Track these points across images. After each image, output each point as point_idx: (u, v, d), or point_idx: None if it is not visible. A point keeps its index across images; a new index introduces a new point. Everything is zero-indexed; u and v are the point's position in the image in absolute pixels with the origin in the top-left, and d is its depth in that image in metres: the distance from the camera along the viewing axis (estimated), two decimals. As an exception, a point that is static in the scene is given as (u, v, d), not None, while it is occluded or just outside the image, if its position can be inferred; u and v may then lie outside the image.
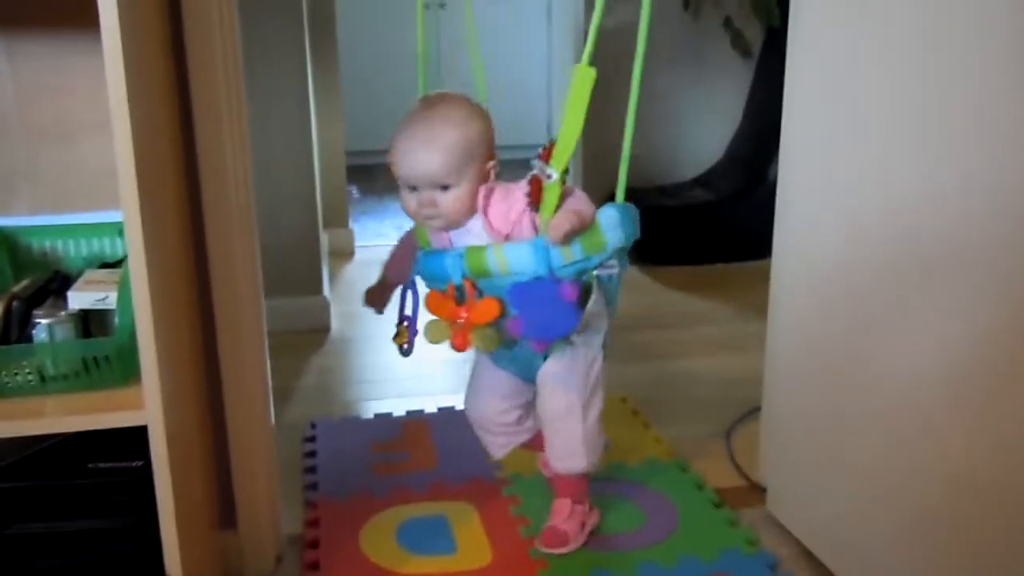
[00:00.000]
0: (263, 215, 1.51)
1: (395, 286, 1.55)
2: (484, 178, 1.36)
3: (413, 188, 1.35)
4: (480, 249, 1.35)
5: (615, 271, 1.43)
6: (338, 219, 3.32)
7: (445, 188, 1.34)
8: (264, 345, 1.46)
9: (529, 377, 1.50)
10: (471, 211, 1.36)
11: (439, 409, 2.07)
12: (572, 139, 1.31)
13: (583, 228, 1.33)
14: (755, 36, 3.48)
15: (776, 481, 1.63)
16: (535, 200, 1.33)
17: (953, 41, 1.14)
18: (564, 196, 1.34)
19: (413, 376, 2.28)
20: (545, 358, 1.45)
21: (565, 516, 1.53)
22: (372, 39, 4.60)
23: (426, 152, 1.32)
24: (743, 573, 1.46)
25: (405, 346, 1.48)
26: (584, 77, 1.29)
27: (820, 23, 1.42)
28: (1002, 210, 1.07)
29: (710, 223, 3.33)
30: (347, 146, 3.34)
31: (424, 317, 1.41)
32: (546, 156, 1.33)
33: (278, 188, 2.51)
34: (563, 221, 1.30)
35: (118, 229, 1.05)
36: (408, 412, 2.06)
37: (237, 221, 1.36)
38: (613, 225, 1.37)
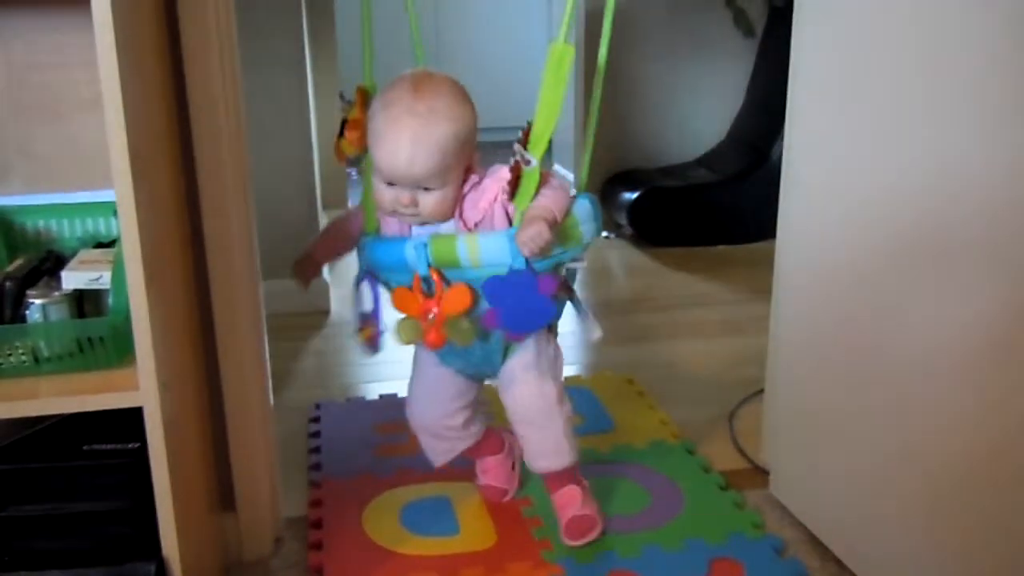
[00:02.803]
0: (262, 196, 1.49)
1: (322, 263, 1.50)
2: (469, 171, 1.28)
3: (391, 183, 1.25)
4: (449, 239, 1.27)
5: (582, 264, 1.35)
6: (337, 200, 3.30)
7: (427, 189, 1.25)
8: (262, 326, 1.45)
9: (480, 374, 1.44)
10: (453, 211, 1.28)
11: (440, 391, 2.05)
12: (551, 122, 1.23)
13: (556, 229, 1.24)
14: (758, 15, 3.45)
15: (779, 463, 1.62)
16: (513, 189, 1.25)
17: (962, 19, 1.11)
18: (541, 184, 1.26)
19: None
20: (505, 353, 1.39)
21: (579, 502, 1.47)
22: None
23: (413, 152, 1.20)
24: (750, 556, 1.45)
25: (371, 343, 1.39)
26: (561, 56, 1.21)
27: (826, 0, 1.39)
28: (1011, 191, 1.05)
29: (713, 204, 3.31)
30: (346, 127, 3.31)
31: (392, 314, 1.33)
32: (524, 140, 1.24)
33: (277, 169, 2.49)
34: (535, 235, 1.19)
35: (112, 208, 1.03)
36: (410, 394, 2.05)
37: (234, 200, 1.34)
38: (588, 218, 1.33)
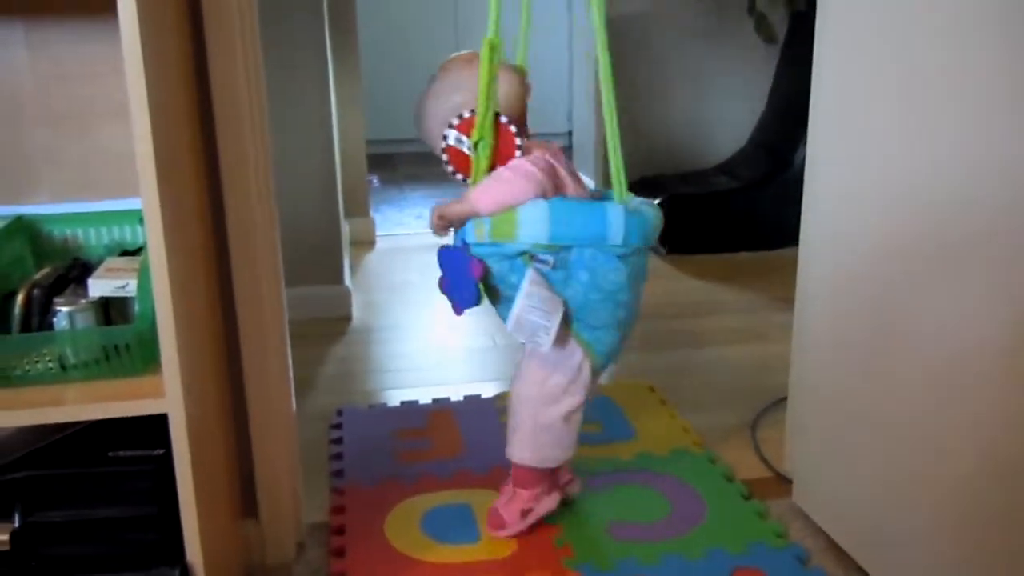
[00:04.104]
0: (284, 204, 1.50)
1: None
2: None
3: None
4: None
5: (548, 266, 1.33)
6: (359, 208, 3.31)
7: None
8: (285, 333, 1.45)
9: None
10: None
11: (464, 397, 2.06)
12: (480, 111, 1.33)
13: (469, 215, 1.34)
14: (779, 21, 3.43)
15: (802, 472, 1.60)
16: (459, 169, 1.38)
17: (985, 24, 1.10)
18: (496, 166, 1.36)
19: (436, 365, 2.27)
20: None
21: (503, 501, 1.53)
22: (392, 28, 4.59)
23: (416, 120, 1.44)
24: (773, 566, 1.44)
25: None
26: (489, 49, 1.32)
27: (849, 5, 1.39)
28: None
29: (734, 211, 3.29)
30: (367, 135, 3.33)
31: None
32: (465, 128, 1.35)
33: (299, 177, 2.50)
34: (439, 211, 1.36)
35: (138, 217, 1.04)
36: (434, 400, 2.05)
37: (258, 209, 1.35)
38: (534, 220, 1.30)
